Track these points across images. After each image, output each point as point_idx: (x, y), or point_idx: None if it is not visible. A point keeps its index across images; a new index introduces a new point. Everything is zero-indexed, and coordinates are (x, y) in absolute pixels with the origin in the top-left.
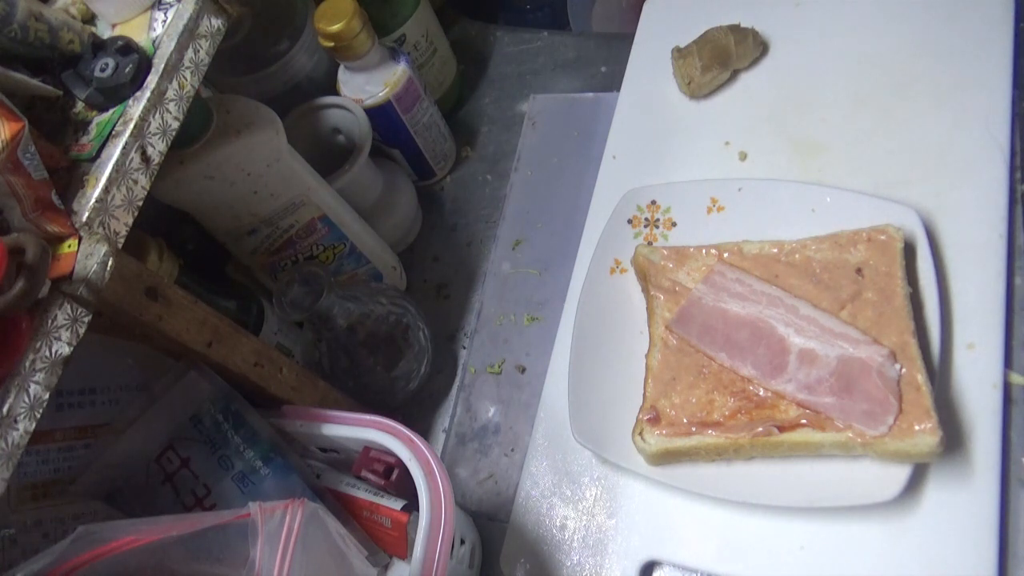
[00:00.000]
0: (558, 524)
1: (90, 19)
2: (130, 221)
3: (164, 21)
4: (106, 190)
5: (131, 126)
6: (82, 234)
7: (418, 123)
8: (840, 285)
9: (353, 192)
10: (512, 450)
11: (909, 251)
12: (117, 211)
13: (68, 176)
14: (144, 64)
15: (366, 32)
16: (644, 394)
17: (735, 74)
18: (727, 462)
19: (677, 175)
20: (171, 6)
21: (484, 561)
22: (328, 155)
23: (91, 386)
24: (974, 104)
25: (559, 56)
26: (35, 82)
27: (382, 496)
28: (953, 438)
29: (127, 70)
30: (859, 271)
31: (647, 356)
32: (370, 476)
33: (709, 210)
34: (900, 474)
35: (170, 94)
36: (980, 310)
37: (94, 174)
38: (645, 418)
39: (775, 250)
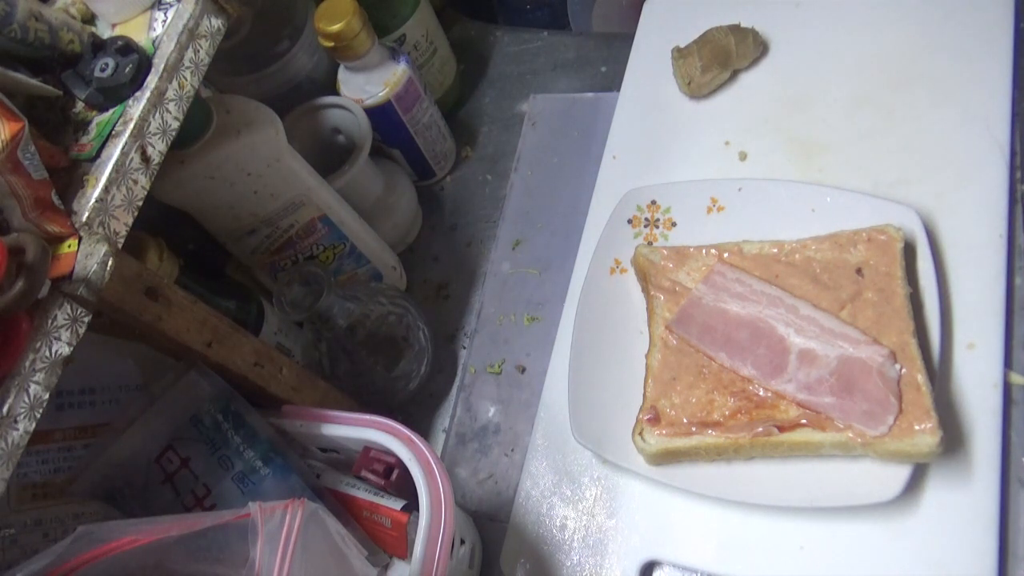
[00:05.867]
0: (558, 524)
1: (90, 19)
2: (130, 221)
3: (164, 21)
4: (106, 190)
5: (131, 126)
6: (82, 234)
7: (418, 123)
8: (840, 285)
9: (353, 192)
10: (512, 450)
11: (909, 251)
12: (117, 211)
13: (68, 176)
14: (144, 64)
15: (366, 32)
16: (644, 394)
17: (735, 74)
18: (727, 462)
19: (677, 175)
20: (171, 6)
21: (484, 561)
22: (328, 155)
23: (91, 386)
24: (974, 104)
25: (559, 56)
26: (35, 82)
27: (382, 496)
28: (953, 438)
29: (127, 70)
30: (859, 271)
31: (647, 356)
32: (370, 476)
33: (709, 210)
34: (900, 474)
35: (170, 94)
36: (980, 310)
37: (94, 174)
38: (645, 418)
39: (775, 250)
